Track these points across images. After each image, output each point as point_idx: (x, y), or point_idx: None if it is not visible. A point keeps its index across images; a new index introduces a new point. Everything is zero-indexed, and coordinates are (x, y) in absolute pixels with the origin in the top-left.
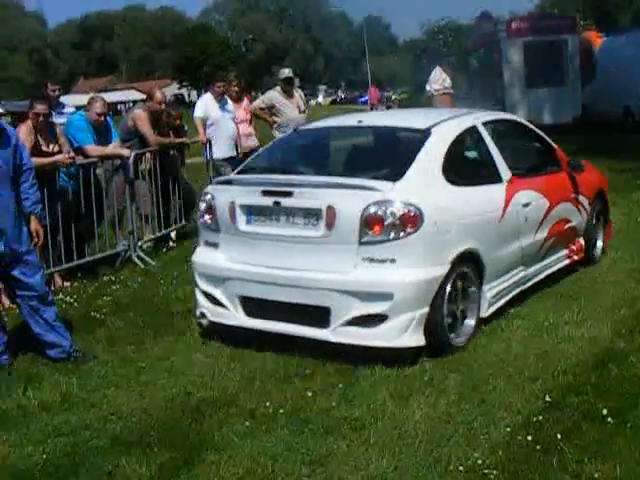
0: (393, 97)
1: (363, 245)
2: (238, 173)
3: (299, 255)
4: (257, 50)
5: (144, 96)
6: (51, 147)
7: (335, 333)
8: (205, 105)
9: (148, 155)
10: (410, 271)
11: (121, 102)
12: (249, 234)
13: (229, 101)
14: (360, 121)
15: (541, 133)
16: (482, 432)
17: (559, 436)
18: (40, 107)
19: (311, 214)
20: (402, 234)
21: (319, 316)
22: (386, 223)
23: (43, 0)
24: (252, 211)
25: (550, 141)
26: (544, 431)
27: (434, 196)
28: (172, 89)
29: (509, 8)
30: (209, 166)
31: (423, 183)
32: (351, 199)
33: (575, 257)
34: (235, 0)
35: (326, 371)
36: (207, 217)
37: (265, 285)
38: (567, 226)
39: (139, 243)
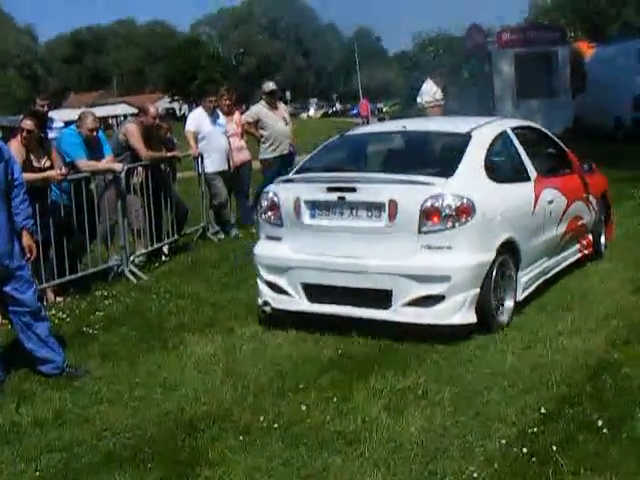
0: (385, 109)
1: (422, 234)
2: (295, 173)
3: (362, 244)
4: (248, 63)
5: (136, 110)
6: (42, 162)
7: (396, 313)
8: (197, 119)
9: (140, 169)
10: (465, 256)
11: (113, 116)
12: (313, 227)
13: (221, 115)
14: (404, 127)
15: (556, 138)
16: (477, 445)
17: (554, 448)
18: (28, 123)
19: (374, 207)
20: (457, 224)
21: (381, 298)
22: (443, 214)
23: (34, 15)
24: (316, 206)
25: (563, 145)
26: (539, 443)
27: (481, 191)
28: (163, 103)
29: (499, 20)
30: (201, 180)
31: (471, 179)
32: (411, 193)
33: (585, 252)
34: (226, 14)
35: (320, 385)
36: (270, 213)
37: (329, 272)
38: (580, 223)
39: (131, 258)
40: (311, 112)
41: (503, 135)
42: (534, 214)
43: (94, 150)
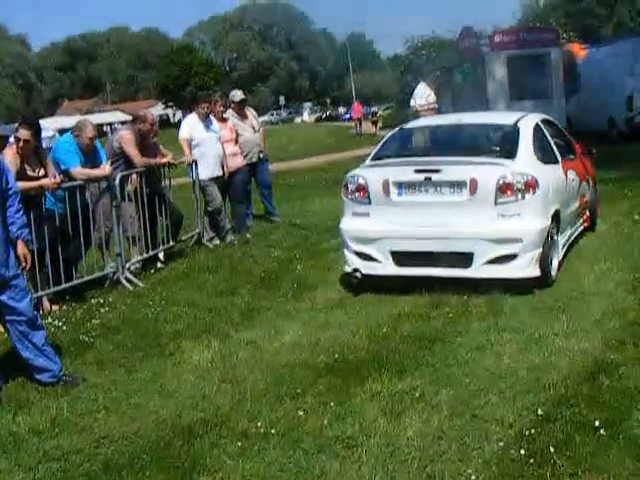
0: (379, 113)
1: (498, 205)
2: (373, 159)
3: (446, 216)
4: (241, 69)
5: (129, 117)
6: (37, 171)
7: (477, 271)
8: (190, 126)
9: (134, 176)
10: (532, 222)
11: (107, 124)
12: (401, 203)
13: (214, 121)
14: (459, 119)
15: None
16: (475, 447)
17: (552, 449)
18: (24, 132)
19: (457, 185)
20: (526, 196)
21: (464, 260)
22: (515, 188)
23: (27, 24)
24: (404, 186)
25: (568, 134)
26: (537, 444)
27: (538, 170)
28: (157, 110)
29: (492, 22)
30: (195, 186)
31: (529, 161)
32: (488, 172)
33: (585, 224)
34: (219, 20)
35: (317, 390)
36: (358, 194)
37: (416, 240)
38: (585, 199)
39: (127, 265)
40: (305, 117)
41: (537, 126)
42: (565, 190)
43: (91, 158)
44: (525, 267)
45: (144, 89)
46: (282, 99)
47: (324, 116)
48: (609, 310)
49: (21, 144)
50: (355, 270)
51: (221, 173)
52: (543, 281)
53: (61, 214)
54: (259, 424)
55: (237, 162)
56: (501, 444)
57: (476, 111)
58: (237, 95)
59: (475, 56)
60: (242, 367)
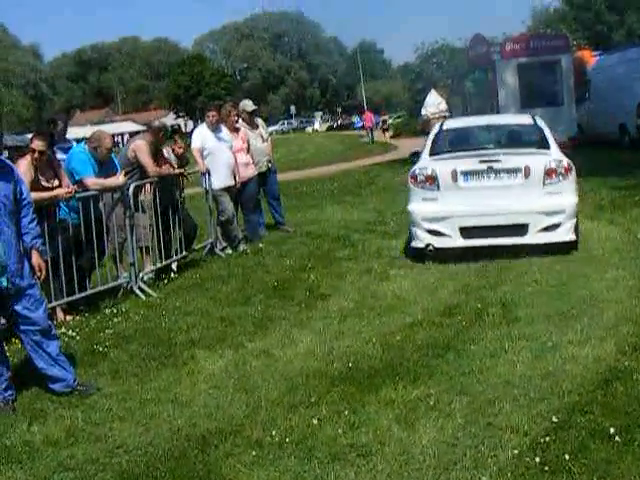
0: (390, 121)
1: (545, 185)
2: (432, 155)
3: (505, 196)
4: (252, 78)
5: (141, 127)
6: (51, 182)
7: (532, 238)
8: (201, 136)
9: (148, 186)
10: (570, 198)
11: (118, 134)
12: (467, 188)
13: (224, 129)
14: (488, 121)
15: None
16: (489, 455)
17: (567, 456)
18: (39, 143)
19: (513, 171)
20: (565, 177)
21: (520, 230)
22: (558, 171)
23: (39, 34)
24: (469, 174)
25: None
26: (552, 452)
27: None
28: (168, 120)
29: (502, 29)
30: (208, 196)
31: (558, 150)
32: (537, 160)
33: None
34: (229, 29)
35: (332, 398)
36: (427, 183)
37: (481, 217)
38: None
39: (140, 275)
40: (316, 126)
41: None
42: None
43: (106, 168)
44: (567, 233)
45: (155, 99)
46: (293, 108)
47: (335, 125)
48: (622, 317)
49: (36, 155)
50: (428, 245)
51: (233, 182)
52: (575, 245)
53: (75, 224)
54: (273, 433)
55: (249, 171)
56: (516, 452)
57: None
58: (249, 105)
59: (486, 64)
60: (256, 376)
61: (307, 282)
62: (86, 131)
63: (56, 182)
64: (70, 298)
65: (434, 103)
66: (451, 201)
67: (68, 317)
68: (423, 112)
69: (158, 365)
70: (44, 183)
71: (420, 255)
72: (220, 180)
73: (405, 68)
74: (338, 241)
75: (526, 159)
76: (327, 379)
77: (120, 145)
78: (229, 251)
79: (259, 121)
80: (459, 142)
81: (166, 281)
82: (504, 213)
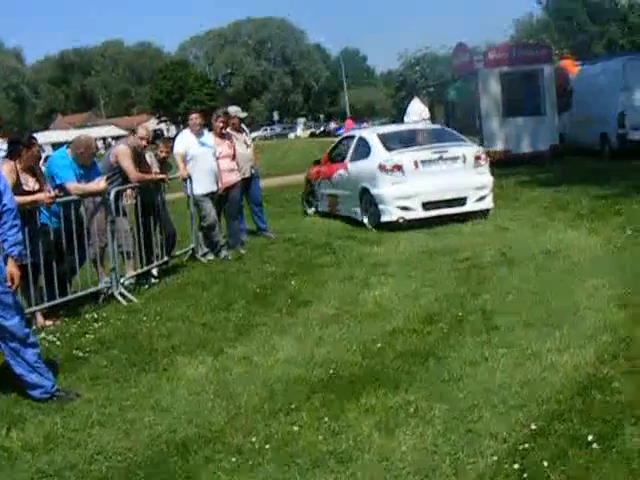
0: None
1: (475, 167)
2: (389, 150)
3: (451, 177)
4: (236, 84)
5: (123, 132)
6: (31, 185)
7: (469, 207)
8: (184, 141)
9: (129, 191)
10: (489, 176)
11: (101, 138)
12: (425, 173)
13: (207, 135)
14: (410, 127)
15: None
16: (469, 462)
17: (546, 463)
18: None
19: (456, 158)
20: (485, 161)
21: (462, 201)
22: (482, 157)
23: (22, 36)
24: (426, 161)
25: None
26: (530, 459)
27: None
28: (151, 124)
29: (485, 38)
30: (190, 201)
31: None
32: (469, 150)
33: None
34: (213, 35)
35: (312, 405)
36: (396, 170)
37: (435, 193)
38: None
39: (121, 280)
40: (298, 132)
41: None
42: None
43: (88, 173)
44: (490, 203)
45: (138, 104)
46: (276, 114)
47: (318, 132)
48: (601, 325)
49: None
50: (401, 218)
51: (216, 188)
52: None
53: (56, 229)
54: (253, 439)
55: (234, 177)
56: (495, 459)
57: (467, 126)
58: (241, 112)
59: (469, 72)
60: (236, 382)
61: (288, 289)
62: (69, 134)
63: (37, 185)
64: (50, 303)
65: (417, 111)
66: (414, 183)
67: (48, 322)
68: (406, 119)
69: (138, 371)
70: (25, 187)
71: (392, 227)
72: (203, 186)
73: (389, 75)
74: (320, 248)
75: (462, 149)
76: (307, 386)
77: (102, 149)
78: (211, 257)
79: (243, 127)
80: (403, 141)
81: (147, 286)
82: (452, 189)
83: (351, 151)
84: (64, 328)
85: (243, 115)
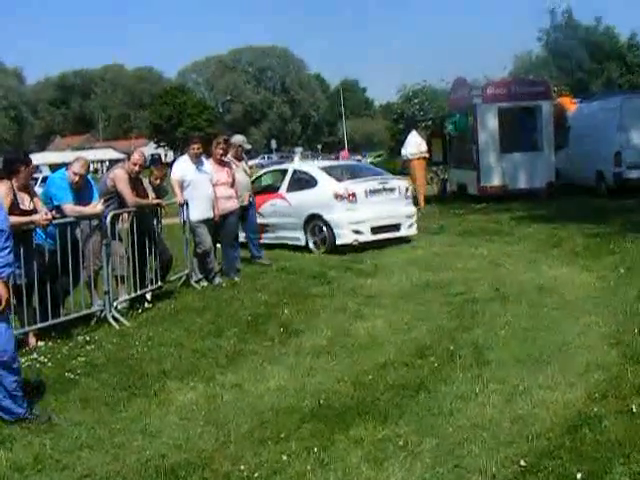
0: (369, 160)
1: (406, 199)
2: (339, 181)
3: (391, 206)
4: (234, 111)
5: (121, 155)
6: (27, 203)
7: (402, 232)
8: (182, 167)
9: (125, 215)
10: (413, 207)
11: (98, 161)
12: (372, 201)
13: (205, 162)
14: (347, 162)
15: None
16: None
17: None
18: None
19: (393, 189)
20: (409, 194)
21: (397, 227)
22: (409, 190)
23: (23, 57)
24: (374, 192)
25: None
26: None
27: None
28: (149, 149)
29: (484, 73)
30: (185, 227)
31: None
32: (400, 182)
33: None
34: (213, 61)
35: (301, 435)
36: (351, 197)
37: (381, 219)
38: None
39: (114, 303)
40: (296, 161)
41: None
42: None
43: (83, 195)
44: (415, 230)
45: (137, 128)
46: (274, 143)
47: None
48: (593, 363)
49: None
50: (354, 240)
51: (212, 215)
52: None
53: (51, 250)
54: (242, 467)
55: (231, 205)
56: None
57: (464, 160)
58: (245, 142)
59: (467, 107)
60: (227, 410)
61: (281, 318)
62: (66, 156)
63: (32, 205)
64: (43, 324)
65: (415, 144)
66: (365, 210)
67: (40, 343)
68: (403, 152)
69: (129, 395)
70: (22, 206)
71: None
72: (199, 212)
73: (387, 108)
74: (313, 278)
75: (397, 182)
76: (298, 415)
77: (99, 172)
78: (204, 283)
79: (243, 155)
80: (343, 173)
81: (140, 311)
82: (391, 216)
83: (286, 183)
84: (56, 350)
85: (248, 147)
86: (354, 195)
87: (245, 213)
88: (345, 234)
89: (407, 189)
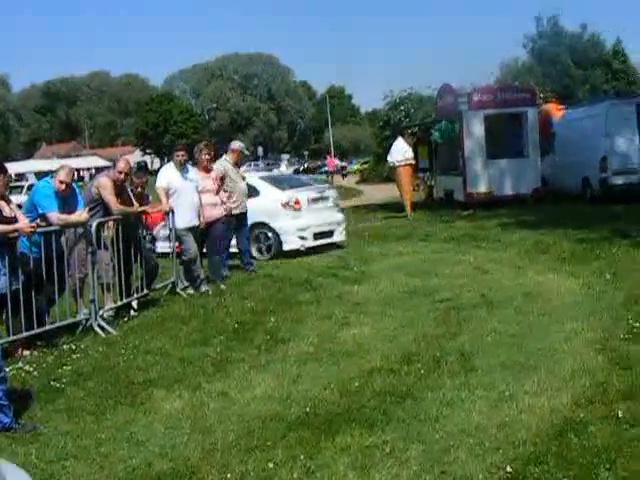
0: (356, 167)
1: (335, 207)
2: (283, 190)
3: (327, 213)
4: (221, 118)
5: (107, 163)
6: (7, 211)
7: (335, 238)
8: (167, 174)
9: (110, 223)
10: (342, 214)
11: (85, 168)
12: (314, 209)
13: (190, 169)
14: (285, 173)
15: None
16: None
17: None
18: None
19: (328, 198)
20: (339, 202)
21: (332, 233)
22: (337, 199)
23: (8, 64)
24: (314, 199)
25: None
26: None
27: None
28: (135, 156)
29: (470, 80)
30: (171, 235)
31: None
32: (332, 191)
33: None
34: (200, 68)
35: (288, 442)
36: (295, 205)
37: (321, 226)
38: None
39: (100, 312)
40: (282, 168)
41: None
42: None
43: (68, 203)
44: (344, 236)
45: (123, 135)
46: (260, 150)
47: (302, 168)
48: (579, 369)
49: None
50: (301, 246)
51: (197, 223)
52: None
53: (35, 258)
54: (229, 476)
55: (216, 212)
56: None
57: (451, 167)
58: (240, 145)
59: (453, 114)
60: (213, 418)
61: (267, 325)
62: (52, 164)
63: (12, 213)
64: (29, 333)
65: (401, 150)
66: (308, 217)
67: (26, 352)
68: (389, 159)
69: (115, 404)
70: (5, 213)
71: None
72: (184, 220)
73: (373, 114)
74: (300, 285)
75: (329, 191)
76: (284, 423)
77: (85, 180)
78: (190, 291)
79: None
80: (283, 182)
81: (126, 319)
82: (328, 223)
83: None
84: (41, 359)
85: (247, 153)
86: (299, 203)
87: (244, 220)
88: (292, 240)
89: (336, 197)
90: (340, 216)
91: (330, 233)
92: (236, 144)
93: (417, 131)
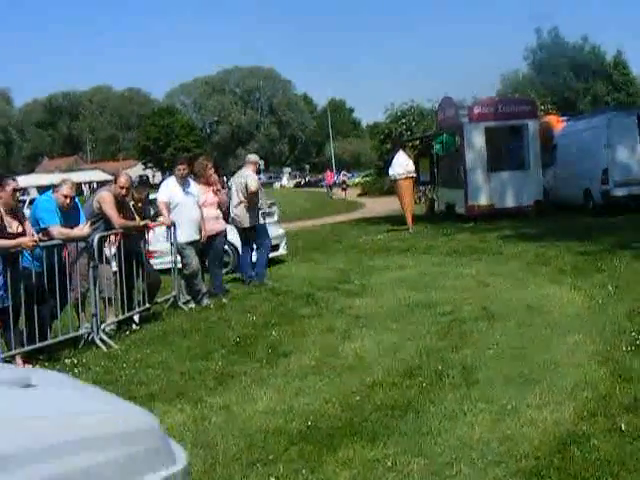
0: (357, 179)
1: (278, 222)
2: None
3: (274, 228)
4: (222, 132)
5: (109, 177)
6: (15, 227)
7: (280, 252)
8: (169, 188)
9: (112, 237)
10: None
11: (86, 182)
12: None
13: (192, 183)
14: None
15: None
16: None
17: None
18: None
19: (273, 213)
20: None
21: (277, 247)
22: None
23: (10, 78)
24: (263, 214)
25: None
26: None
27: None
28: (137, 170)
29: (471, 92)
30: (172, 249)
31: None
32: (276, 207)
33: None
34: (201, 82)
35: (290, 457)
36: None
37: (272, 239)
38: None
39: (102, 326)
40: (284, 181)
41: None
42: None
43: (70, 217)
44: (286, 250)
45: (125, 149)
46: (262, 163)
47: (303, 182)
48: (581, 382)
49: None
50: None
51: (199, 237)
52: None
53: (38, 272)
54: None
55: (218, 226)
56: None
57: (452, 180)
58: (256, 158)
59: (454, 126)
60: (215, 432)
61: (269, 339)
62: (54, 178)
63: (20, 228)
64: (30, 347)
65: (402, 163)
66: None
67: (27, 366)
68: (391, 172)
69: None
70: (9, 229)
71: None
72: (186, 234)
73: (375, 127)
74: (302, 298)
75: (275, 207)
76: (286, 437)
77: (86, 194)
78: (192, 305)
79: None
80: None
81: (128, 333)
82: (275, 238)
83: None
84: None
85: (261, 165)
86: None
87: (251, 233)
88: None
89: (280, 213)
90: (282, 231)
91: (276, 247)
92: (254, 157)
93: (418, 144)
